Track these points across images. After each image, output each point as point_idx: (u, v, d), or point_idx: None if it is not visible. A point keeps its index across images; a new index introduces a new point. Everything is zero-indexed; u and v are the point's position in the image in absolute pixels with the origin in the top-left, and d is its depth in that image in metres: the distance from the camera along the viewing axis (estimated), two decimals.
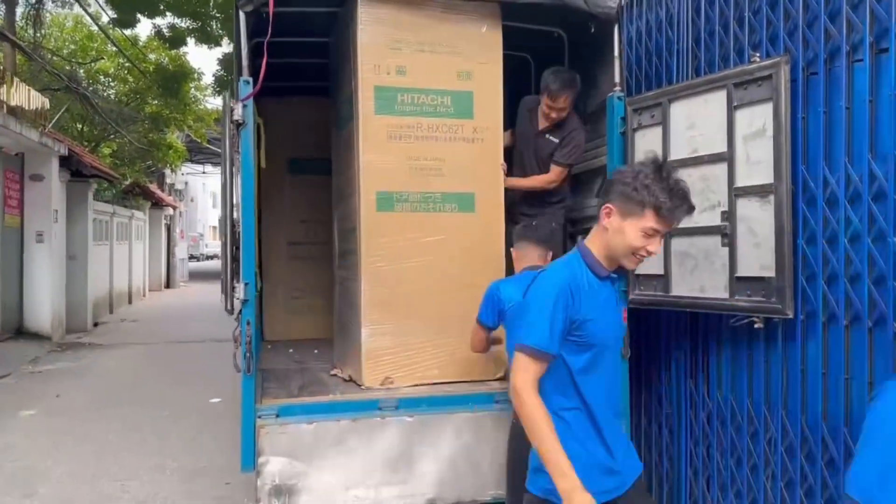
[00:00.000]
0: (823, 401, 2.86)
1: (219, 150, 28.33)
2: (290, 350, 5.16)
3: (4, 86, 9.96)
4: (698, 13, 3.54)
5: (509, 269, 3.75)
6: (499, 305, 3.31)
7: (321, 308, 5.60)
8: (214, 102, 19.81)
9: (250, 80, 3.36)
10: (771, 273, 2.99)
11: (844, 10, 2.70)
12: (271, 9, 3.35)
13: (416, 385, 3.68)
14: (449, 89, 3.74)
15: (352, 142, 3.77)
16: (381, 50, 3.64)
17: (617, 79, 3.80)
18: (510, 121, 4.18)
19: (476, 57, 3.80)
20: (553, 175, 4.16)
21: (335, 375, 4.05)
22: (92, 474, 5.13)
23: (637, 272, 3.64)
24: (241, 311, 3.36)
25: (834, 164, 2.79)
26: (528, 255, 3.46)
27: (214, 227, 57.88)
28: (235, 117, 3.35)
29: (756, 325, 3.12)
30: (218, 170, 39.64)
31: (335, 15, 4.08)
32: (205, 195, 49.71)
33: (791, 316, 2.94)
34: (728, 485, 3.38)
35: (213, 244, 54.99)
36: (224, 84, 15.27)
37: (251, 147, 3.38)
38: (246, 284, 3.35)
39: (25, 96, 10.49)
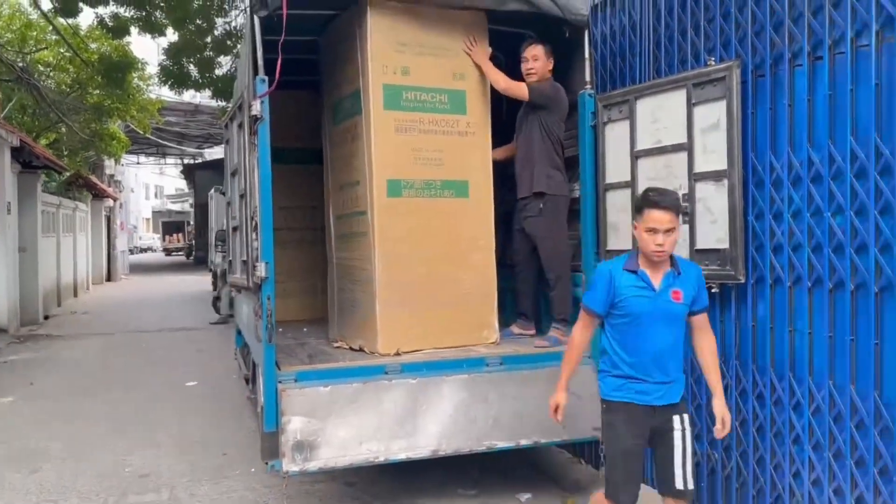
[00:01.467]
0: (771, 351, 3.42)
1: (162, 141, 27.77)
2: (281, 329, 5.50)
3: None
4: (659, 20, 4.04)
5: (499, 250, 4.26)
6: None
7: (301, 290, 5.96)
8: (159, 92, 19.60)
9: (266, 78, 3.70)
10: (725, 245, 3.53)
11: (787, 22, 3.23)
12: (285, 12, 3.70)
13: (425, 350, 4.17)
14: (446, 88, 4.27)
15: (358, 133, 4.20)
16: (388, 52, 4.11)
17: (587, 77, 4.31)
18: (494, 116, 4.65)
19: (468, 60, 4.34)
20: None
21: (339, 347, 4.44)
22: (90, 451, 5.37)
23: (608, 248, 4.16)
24: (261, 287, 3.72)
25: (778, 152, 3.33)
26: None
27: (148, 220, 56.72)
28: (254, 112, 3.68)
29: (713, 290, 3.65)
30: (151, 160, 38.70)
31: (327, 17, 4.44)
32: (138, 186, 48.64)
33: (743, 281, 3.48)
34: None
35: (147, 237, 53.88)
36: (170, 74, 15.18)
37: (268, 140, 3.72)
38: (266, 263, 3.71)
39: None
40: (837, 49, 3.04)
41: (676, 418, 3.03)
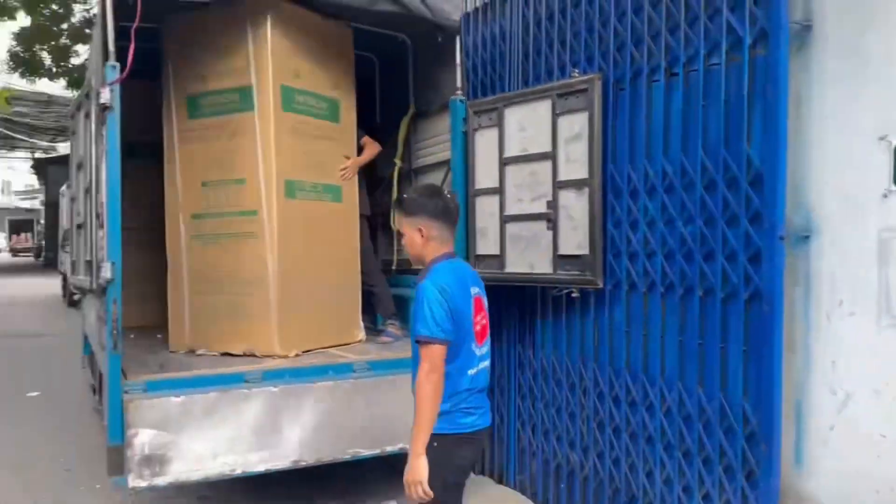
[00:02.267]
0: (626, 354, 3.54)
1: (10, 133, 25.69)
2: (132, 335, 5.14)
3: None
4: (528, 31, 4.12)
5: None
6: None
7: (151, 295, 5.51)
8: (9, 81, 18.09)
9: (117, 64, 3.44)
10: (586, 251, 3.63)
11: (646, 38, 3.37)
12: None
13: (317, 350, 4.27)
14: (326, 95, 4.44)
15: (241, 130, 4.16)
16: (285, 53, 4.18)
17: (458, 83, 4.32)
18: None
19: (340, 70, 4.53)
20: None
21: (202, 355, 4.20)
22: None
23: (477, 252, 4.18)
24: (106, 289, 3.44)
25: (635, 163, 3.47)
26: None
27: None
28: (102, 101, 3.42)
29: (573, 295, 3.75)
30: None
31: (182, 4, 4.21)
32: None
33: (601, 286, 3.59)
34: (550, 431, 4.00)
35: None
36: (21, 61, 14.08)
37: (118, 131, 3.46)
38: (112, 264, 3.43)
39: None
40: (691, 66, 3.20)
41: None
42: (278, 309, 4.09)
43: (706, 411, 3.14)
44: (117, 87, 3.43)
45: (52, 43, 13.59)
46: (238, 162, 4.18)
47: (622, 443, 3.56)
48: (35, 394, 7.04)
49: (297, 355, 4.13)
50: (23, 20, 13.90)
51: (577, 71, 3.72)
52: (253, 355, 4.12)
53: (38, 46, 13.34)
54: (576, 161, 3.68)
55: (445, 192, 2.86)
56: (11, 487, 4.55)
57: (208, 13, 4.27)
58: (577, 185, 3.67)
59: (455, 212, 2.71)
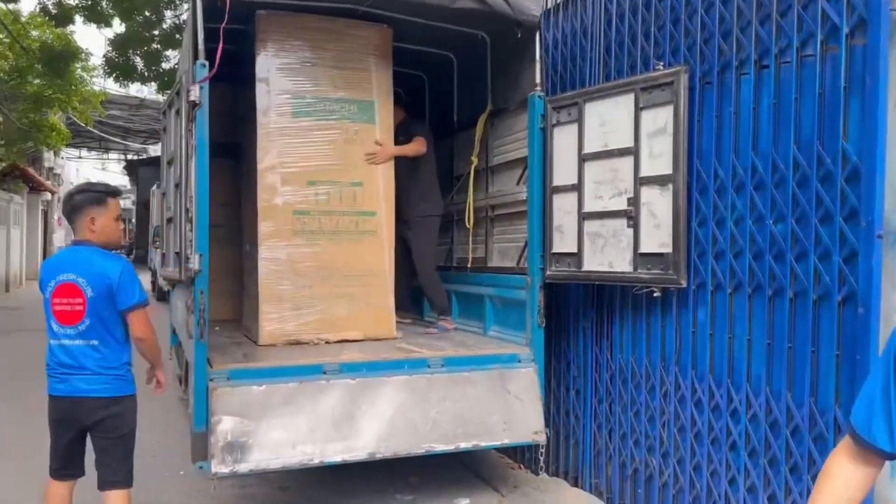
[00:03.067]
0: (710, 357, 3.42)
1: (105, 135, 27.01)
2: (217, 328, 5.31)
3: None
4: (610, 26, 4.04)
5: None
6: None
7: (226, 291, 5.64)
8: (103, 85, 19.03)
9: (206, 63, 3.56)
10: (668, 249, 3.53)
11: (735, 30, 3.26)
12: None
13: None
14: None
15: (363, 140, 4.59)
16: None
17: (538, 79, 4.28)
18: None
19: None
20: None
21: (316, 343, 4.42)
22: (10, 449, 5.10)
23: (553, 250, 4.13)
24: (194, 280, 3.57)
25: (723, 159, 3.35)
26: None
27: None
28: (192, 98, 3.54)
29: (655, 295, 3.66)
30: (94, 154, 37.63)
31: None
32: (79, 181, 47.17)
33: (685, 286, 3.48)
34: (628, 434, 3.91)
35: None
36: (115, 66, 14.74)
37: (206, 127, 3.58)
38: (200, 255, 3.56)
39: None
40: (783, 58, 3.07)
41: None
42: (392, 298, 4.65)
43: (794, 417, 3.00)
44: (206, 85, 3.56)
45: (145, 48, 14.15)
46: (353, 166, 4.56)
47: (704, 448, 3.44)
48: None
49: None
50: (118, 27, 14.53)
51: (661, 64, 3.63)
52: (365, 340, 4.53)
53: (131, 52, 13.92)
54: (659, 156, 3.59)
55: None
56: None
57: (311, 18, 4.47)
58: (660, 181, 3.57)
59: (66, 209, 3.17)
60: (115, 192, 3.25)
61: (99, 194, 3.13)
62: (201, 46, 3.60)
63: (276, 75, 4.41)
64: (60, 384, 3.04)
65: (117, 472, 3.07)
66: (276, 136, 4.39)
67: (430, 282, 5.22)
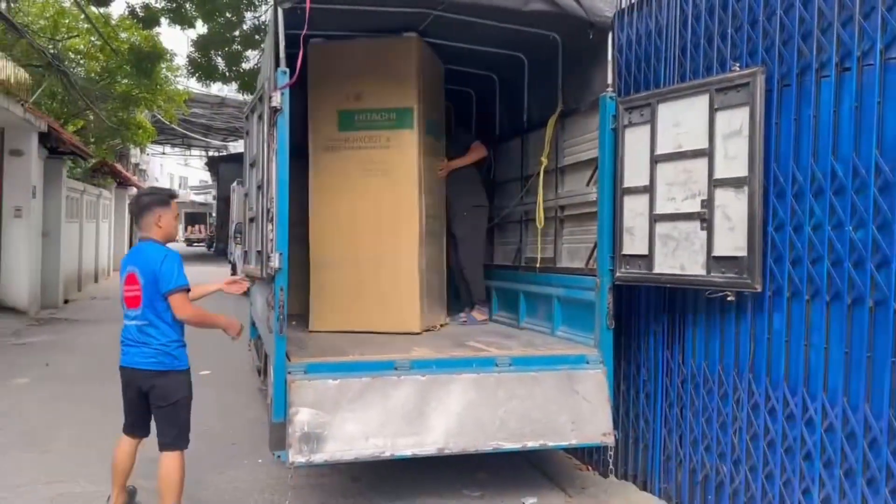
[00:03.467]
0: (786, 364, 3.36)
1: (187, 133, 28.04)
2: (294, 322, 5.50)
3: None
4: (685, 26, 3.99)
5: None
6: None
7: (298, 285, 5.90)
8: (187, 84, 19.81)
9: (287, 70, 3.71)
10: (743, 253, 3.47)
11: (815, 32, 3.18)
12: (308, 6, 3.71)
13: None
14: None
15: (399, 145, 4.94)
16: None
17: (609, 80, 4.26)
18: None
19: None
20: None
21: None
22: (99, 436, 5.39)
23: (623, 252, 4.12)
24: (274, 277, 3.73)
25: (801, 163, 3.28)
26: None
27: None
28: (273, 104, 3.69)
29: (729, 299, 3.60)
30: (177, 151, 39.09)
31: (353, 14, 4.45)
32: (162, 176, 49.13)
33: (760, 290, 3.42)
34: (699, 440, 3.87)
35: None
36: (198, 66, 15.29)
37: (287, 131, 3.72)
38: (280, 254, 3.71)
39: (8, 71, 10.51)
40: (866, 61, 2.99)
41: None
42: (420, 294, 4.92)
43: (872, 429, 2.93)
44: (287, 91, 3.70)
45: (226, 49, 14.62)
46: (392, 171, 4.95)
47: (777, 457, 3.39)
48: (206, 372, 7.66)
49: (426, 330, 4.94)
50: (200, 28, 15.06)
51: (737, 65, 3.57)
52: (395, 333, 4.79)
53: (213, 52, 14.41)
54: (735, 158, 3.53)
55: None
56: (186, 457, 4.98)
57: (357, 44, 4.94)
58: (735, 183, 3.52)
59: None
60: (175, 195, 3.85)
61: (164, 196, 3.74)
62: (282, 54, 3.74)
63: (324, 94, 4.99)
64: (125, 356, 3.61)
65: (167, 435, 3.59)
66: (323, 150, 5.03)
67: (475, 271, 5.67)
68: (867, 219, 2.94)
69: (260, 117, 4.31)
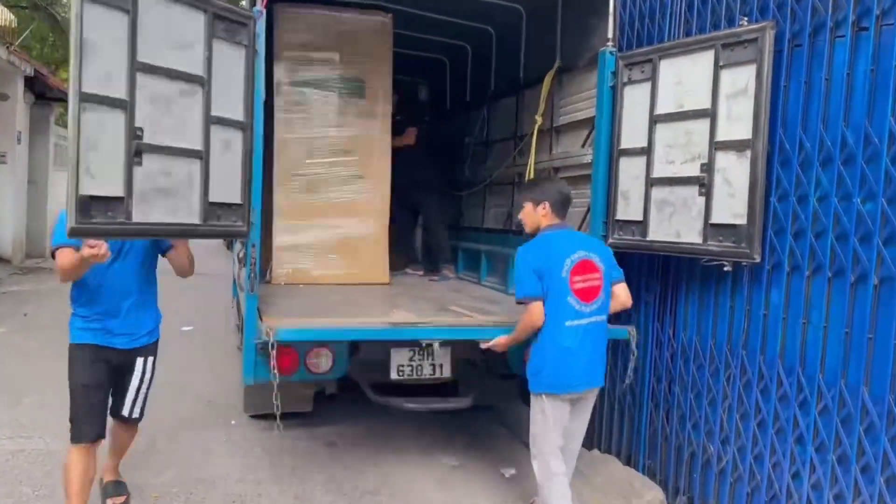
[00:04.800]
0: (782, 342, 3.18)
1: None
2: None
3: None
4: None
5: None
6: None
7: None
8: None
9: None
10: (742, 221, 3.25)
11: None
12: None
13: None
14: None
15: (357, 112, 5.29)
16: None
17: (610, 34, 4.00)
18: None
19: None
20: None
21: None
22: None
23: (617, 217, 3.91)
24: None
25: (810, 130, 3.06)
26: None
27: None
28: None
29: (725, 269, 3.40)
30: None
31: None
32: None
33: (758, 260, 3.22)
34: (687, 417, 3.72)
35: None
36: None
37: (262, 75, 3.47)
38: (252, 210, 3.49)
39: None
40: (885, 20, 2.75)
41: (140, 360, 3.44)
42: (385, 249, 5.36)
43: (870, 414, 2.77)
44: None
45: None
46: (348, 136, 5.25)
47: (767, 438, 3.23)
48: (188, 328, 7.53)
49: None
50: None
51: (745, 19, 3.32)
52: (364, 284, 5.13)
53: None
54: (738, 119, 3.30)
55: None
56: (159, 416, 4.84)
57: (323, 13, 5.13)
58: (737, 146, 3.30)
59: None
60: None
61: None
62: None
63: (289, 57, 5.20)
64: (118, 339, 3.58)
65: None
66: (285, 111, 5.19)
67: (441, 234, 6.13)
68: (877, 190, 2.74)
69: None
